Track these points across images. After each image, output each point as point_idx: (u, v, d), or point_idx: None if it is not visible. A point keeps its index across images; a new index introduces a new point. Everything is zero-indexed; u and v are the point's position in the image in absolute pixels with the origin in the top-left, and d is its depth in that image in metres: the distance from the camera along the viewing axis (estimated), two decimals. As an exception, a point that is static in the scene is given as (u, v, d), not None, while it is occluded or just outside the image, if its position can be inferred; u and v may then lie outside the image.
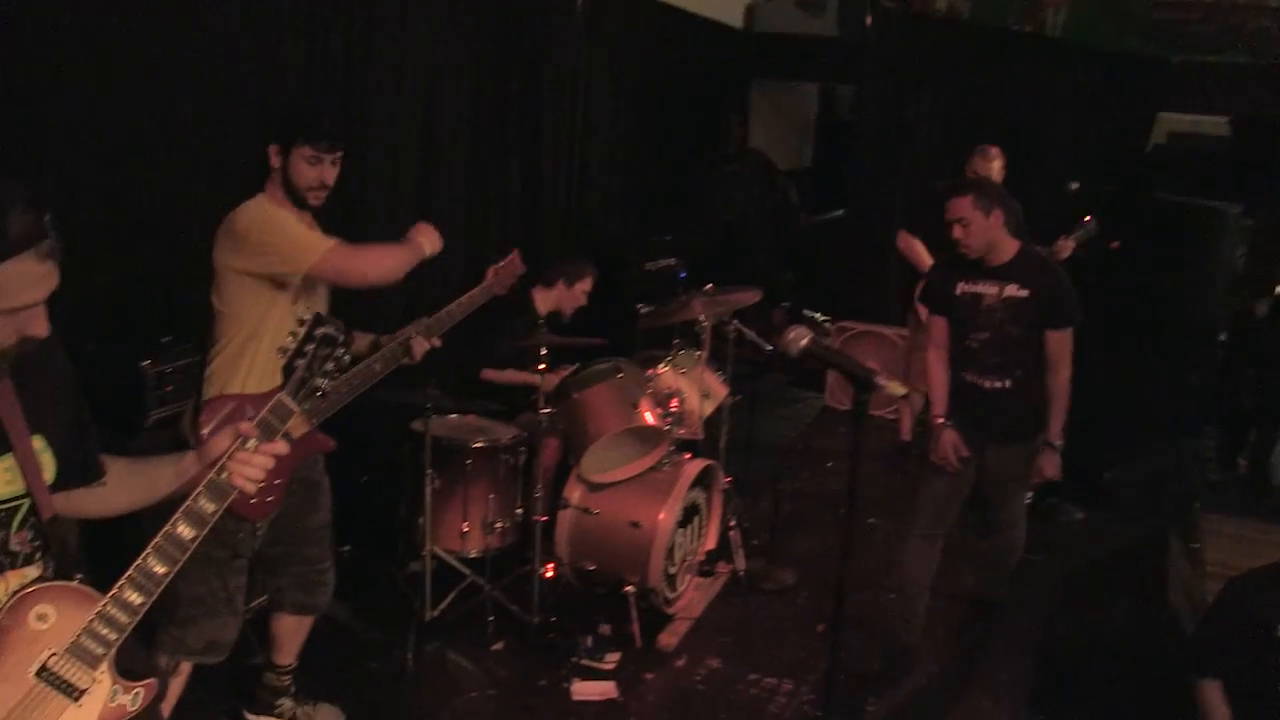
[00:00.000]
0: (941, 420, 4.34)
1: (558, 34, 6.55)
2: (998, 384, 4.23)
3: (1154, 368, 6.76)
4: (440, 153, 5.68)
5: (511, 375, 5.16)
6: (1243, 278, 7.91)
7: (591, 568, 4.70)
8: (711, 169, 8.83)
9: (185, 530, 1.91)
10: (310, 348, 2.05)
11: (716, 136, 9.01)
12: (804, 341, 2.66)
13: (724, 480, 5.12)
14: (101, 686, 1.91)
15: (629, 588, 4.58)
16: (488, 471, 4.66)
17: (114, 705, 1.93)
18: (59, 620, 1.85)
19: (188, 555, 1.91)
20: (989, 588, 4.93)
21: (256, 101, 4.48)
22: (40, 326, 1.77)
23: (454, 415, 4.91)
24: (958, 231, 4.11)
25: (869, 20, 8.52)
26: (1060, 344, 4.19)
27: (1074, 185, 6.54)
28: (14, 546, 1.88)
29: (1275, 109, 8.16)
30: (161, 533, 1.90)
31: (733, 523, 5.23)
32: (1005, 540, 4.71)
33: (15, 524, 1.88)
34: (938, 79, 8.28)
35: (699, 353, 5.12)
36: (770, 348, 5.31)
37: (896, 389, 2.69)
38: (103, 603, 1.86)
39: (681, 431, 4.91)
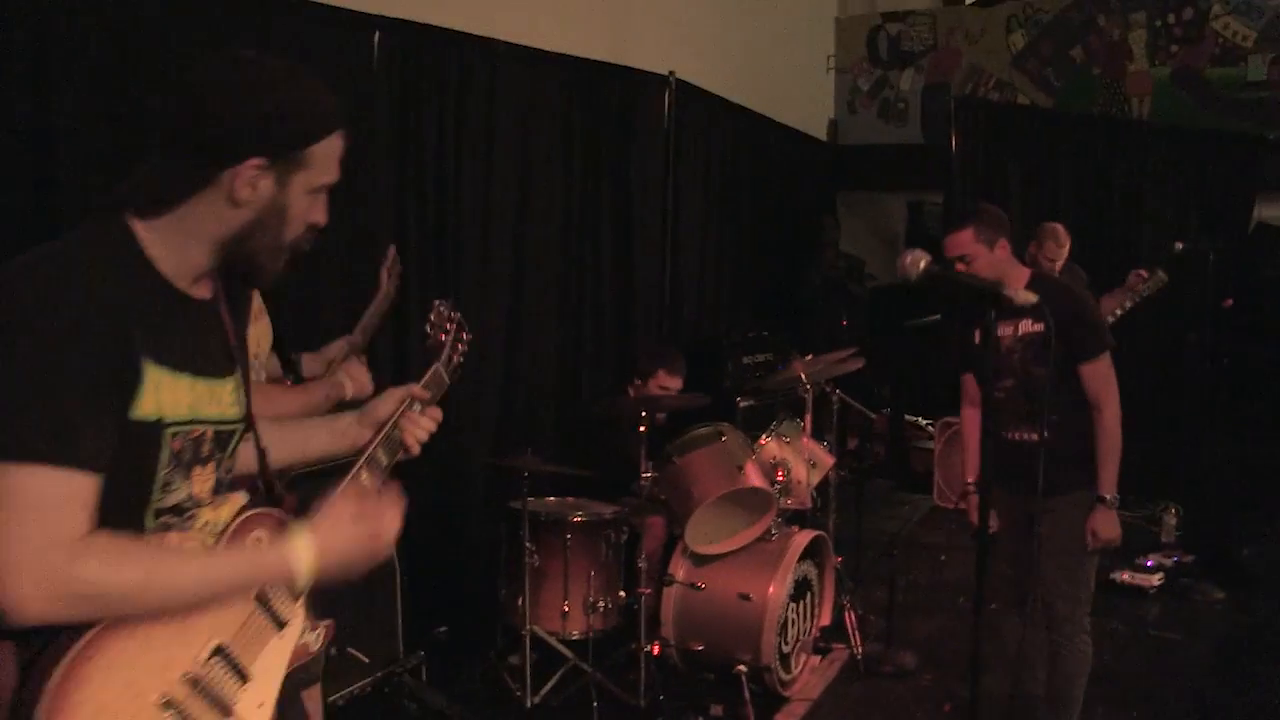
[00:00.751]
0: (970, 484, 3.92)
1: (645, 137, 6.61)
2: (1029, 435, 3.67)
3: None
4: (531, 254, 5.69)
5: None
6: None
7: (700, 648, 4.46)
8: (810, 270, 8.79)
9: (366, 478, 1.95)
10: (451, 328, 2.27)
11: (806, 241, 8.98)
12: (923, 263, 2.53)
13: (835, 560, 4.88)
14: (298, 620, 1.84)
15: (741, 667, 4.32)
16: (589, 548, 4.48)
17: (301, 642, 1.88)
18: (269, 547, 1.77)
19: None
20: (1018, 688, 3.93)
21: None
22: (323, 213, 1.74)
23: (552, 497, 4.77)
24: (960, 270, 3.64)
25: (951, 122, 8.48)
26: (1094, 377, 3.64)
27: (1179, 245, 6.35)
28: (227, 472, 1.80)
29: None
30: (348, 477, 1.92)
31: (847, 601, 4.96)
32: (1053, 637, 3.81)
33: (230, 449, 1.78)
34: (1025, 169, 8.17)
35: (801, 422, 4.95)
36: (874, 415, 5.11)
37: (1028, 296, 2.51)
38: None
39: (789, 502, 4.70)
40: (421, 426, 2.10)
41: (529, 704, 4.31)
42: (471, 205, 5.30)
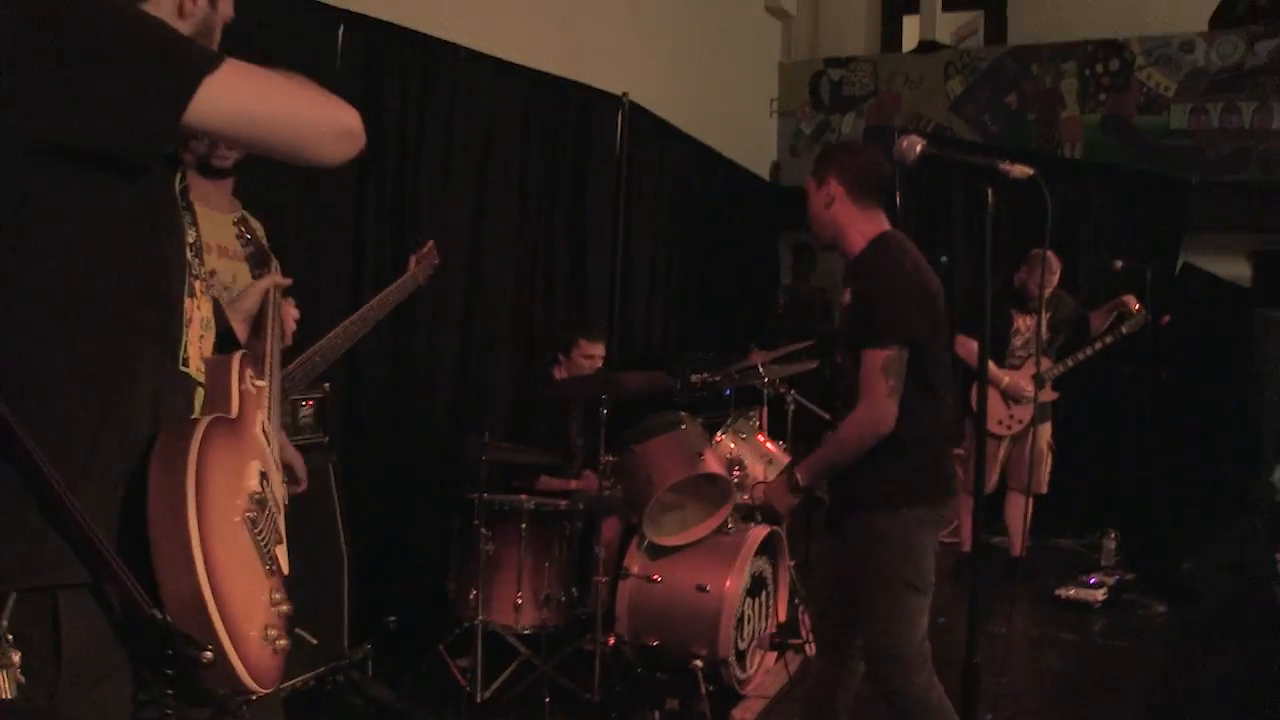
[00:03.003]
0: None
1: (599, 154, 6.67)
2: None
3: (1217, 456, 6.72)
4: (485, 260, 5.69)
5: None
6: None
7: (655, 643, 4.39)
8: (783, 295, 8.92)
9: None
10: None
11: (751, 275, 9.09)
12: (919, 147, 2.55)
13: (789, 561, 4.86)
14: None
15: (697, 661, 4.25)
16: (544, 540, 4.43)
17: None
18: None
19: None
20: None
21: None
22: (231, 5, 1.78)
23: (507, 493, 4.70)
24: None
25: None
26: (865, 366, 2.94)
27: (1118, 264, 6.53)
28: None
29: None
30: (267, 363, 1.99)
31: (800, 602, 4.93)
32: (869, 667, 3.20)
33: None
34: (965, 200, 8.33)
35: (756, 419, 4.95)
36: (828, 416, 5.14)
37: (1022, 170, 2.51)
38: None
39: (745, 497, 4.68)
40: (290, 316, 2.26)
41: (479, 699, 4.20)
42: (429, 207, 5.29)
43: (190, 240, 1.68)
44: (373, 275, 4.84)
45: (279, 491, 1.78)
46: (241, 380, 1.72)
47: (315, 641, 3.86)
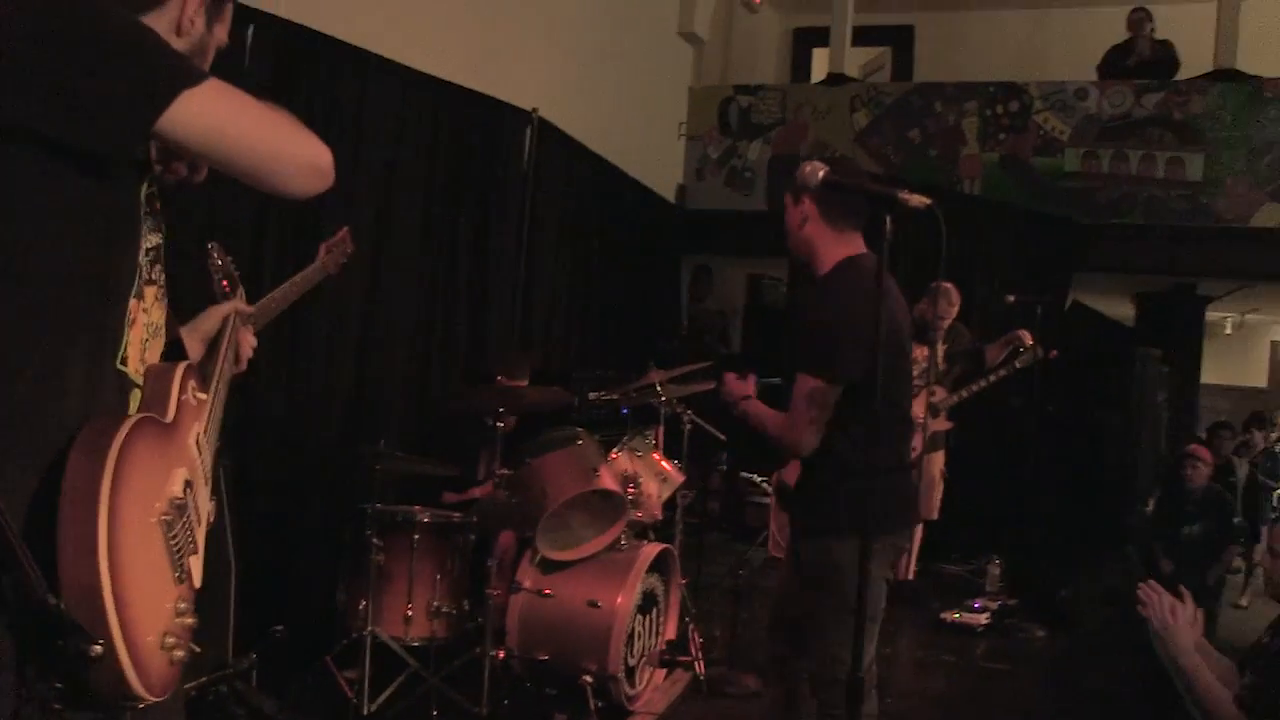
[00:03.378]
0: None
1: (506, 169, 6.67)
2: None
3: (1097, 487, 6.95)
4: (388, 273, 5.61)
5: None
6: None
7: (545, 657, 4.38)
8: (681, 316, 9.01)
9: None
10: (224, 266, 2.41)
11: (654, 297, 9.16)
12: (822, 172, 2.59)
13: (680, 579, 4.90)
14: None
15: (586, 677, 4.26)
16: (436, 551, 4.39)
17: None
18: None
19: None
20: None
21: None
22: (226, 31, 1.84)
23: (400, 503, 4.65)
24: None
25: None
26: (796, 389, 3.00)
27: (1010, 298, 6.75)
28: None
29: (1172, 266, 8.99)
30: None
31: (690, 621, 4.97)
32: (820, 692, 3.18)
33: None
34: (871, 232, 8.50)
35: (652, 438, 4.99)
36: (724, 436, 5.20)
37: (920, 200, 2.54)
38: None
39: (639, 515, 4.71)
40: (248, 343, 2.21)
41: (366, 711, 4.14)
42: (331, 214, 5.19)
43: (150, 245, 1.71)
44: (272, 283, 4.75)
45: (204, 506, 1.76)
46: (183, 390, 1.72)
47: (198, 650, 3.77)
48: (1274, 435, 11.09)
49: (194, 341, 2.09)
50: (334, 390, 5.24)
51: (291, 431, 4.98)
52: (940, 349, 6.34)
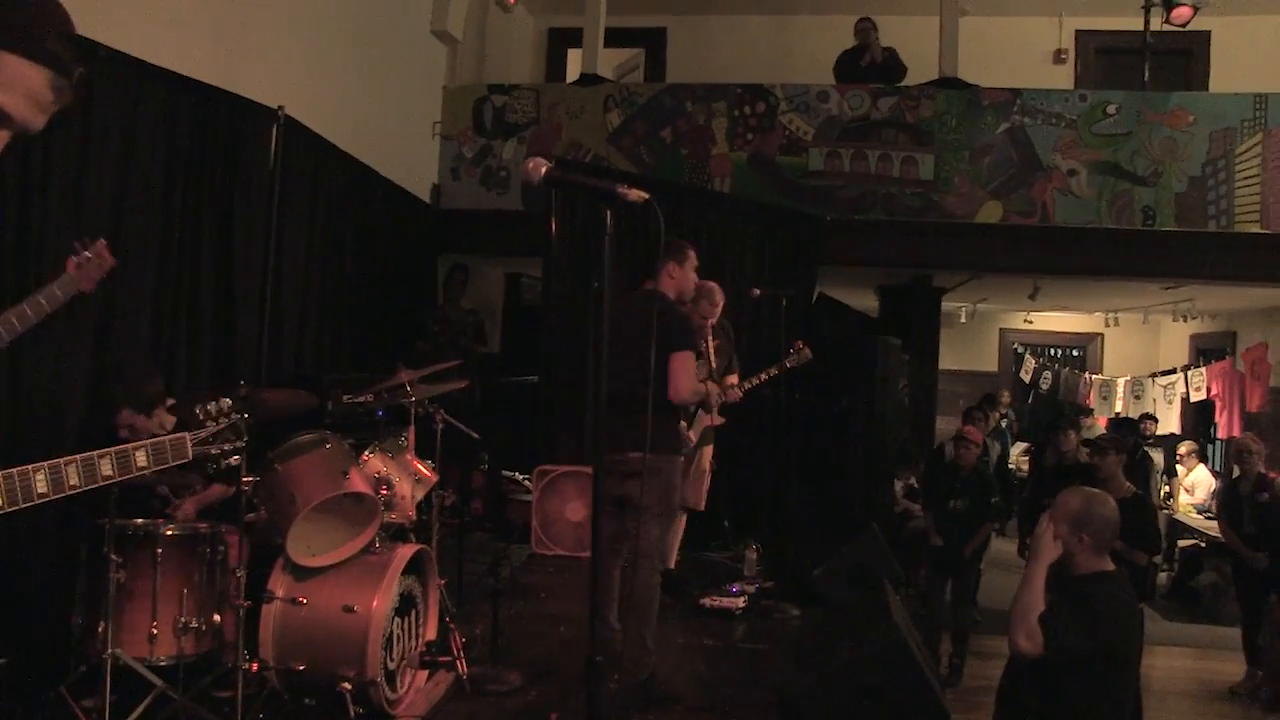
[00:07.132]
0: None
1: (251, 169, 6.44)
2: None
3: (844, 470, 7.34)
4: (124, 283, 5.29)
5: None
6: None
7: (301, 667, 4.27)
8: (434, 316, 8.91)
9: None
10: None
11: (409, 297, 9.05)
12: (543, 169, 2.63)
13: (439, 580, 4.88)
14: None
15: (345, 684, 4.19)
16: (182, 565, 4.25)
17: None
18: None
19: None
20: None
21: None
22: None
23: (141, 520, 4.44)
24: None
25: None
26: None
27: (756, 291, 7.00)
28: None
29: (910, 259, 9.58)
30: None
31: (450, 621, 4.95)
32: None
33: None
34: (621, 230, 8.65)
35: (405, 440, 4.95)
36: (477, 435, 5.21)
37: (639, 195, 2.63)
38: None
39: (393, 516, 4.67)
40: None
41: (107, 737, 3.96)
42: (59, 218, 4.90)
43: None
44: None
45: None
46: None
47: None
48: (999, 415, 11.95)
49: None
50: (65, 407, 4.94)
51: (19, 448, 4.66)
52: (712, 344, 6.49)
